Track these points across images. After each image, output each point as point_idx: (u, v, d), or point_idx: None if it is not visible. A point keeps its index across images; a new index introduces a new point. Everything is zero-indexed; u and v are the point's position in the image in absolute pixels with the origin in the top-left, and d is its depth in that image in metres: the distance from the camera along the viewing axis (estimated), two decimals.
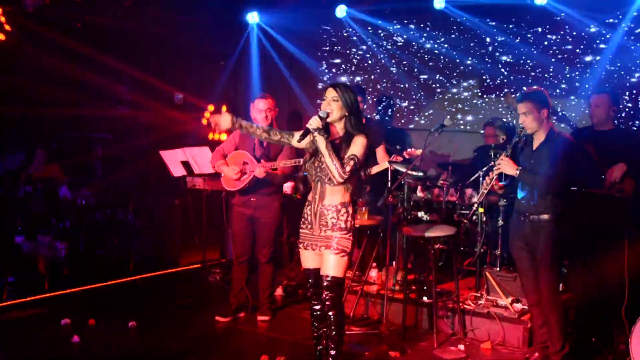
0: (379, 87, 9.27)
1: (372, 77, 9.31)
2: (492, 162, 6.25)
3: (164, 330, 6.39)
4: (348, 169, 4.62)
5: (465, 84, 8.65)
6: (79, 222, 8.52)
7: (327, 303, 4.75)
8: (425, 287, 6.64)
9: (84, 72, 8.59)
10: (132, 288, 7.92)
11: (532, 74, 8.08)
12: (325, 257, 4.78)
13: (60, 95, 8.63)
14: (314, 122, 4.67)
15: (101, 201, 8.92)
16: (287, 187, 7.73)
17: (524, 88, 5.71)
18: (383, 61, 9.19)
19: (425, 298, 6.52)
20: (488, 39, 8.34)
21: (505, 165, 5.31)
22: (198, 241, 8.49)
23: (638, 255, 5.84)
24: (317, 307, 4.95)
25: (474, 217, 6.68)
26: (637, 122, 7.37)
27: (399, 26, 8.95)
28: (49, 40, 8.32)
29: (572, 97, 7.84)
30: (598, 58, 7.59)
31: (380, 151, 7.70)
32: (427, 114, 8.98)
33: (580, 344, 5.87)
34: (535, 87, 5.70)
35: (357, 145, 4.72)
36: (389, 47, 9.13)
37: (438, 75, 8.81)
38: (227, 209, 7.57)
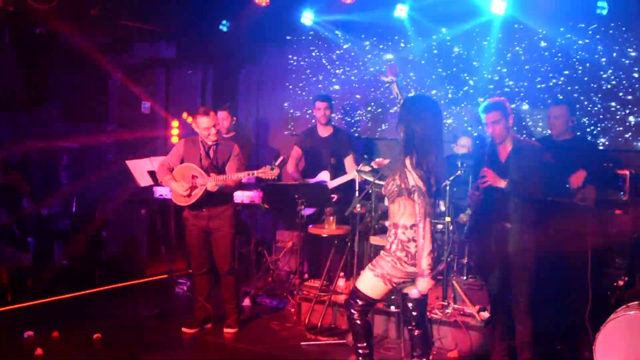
0: (346, 95, 9.25)
1: (339, 86, 9.28)
2: (459, 172, 6.32)
3: (129, 342, 6.28)
4: None
5: (432, 92, 8.65)
6: (44, 232, 8.37)
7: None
8: (392, 297, 6.55)
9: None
10: (98, 299, 7.79)
11: (491, 85, 8.13)
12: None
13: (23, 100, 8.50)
14: None
15: (66, 211, 8.79)
16: (247, 196, 7.71)
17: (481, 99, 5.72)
18: (349, 70, 9.19)
19: (392, 307, 6.49)
20: (456, 49, 8.37)
21: (494, 179, 5.30)
22: (165, 251, 8.41)
23: (601, 262, 5.94)
24: None
25: (440, 227, 6.69)
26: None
27: (363, 35, 8.94)
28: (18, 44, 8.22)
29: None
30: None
31: (348, 160, 7.76)
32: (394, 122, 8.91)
33: (545, 352, 5.92)
34: (497, 97, 5.75)
35: None
36: (354, 56, 9.13)
37: (406, 84, 8.81)
38: (177, 222, 7.51)
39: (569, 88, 7.37)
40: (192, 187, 6.35)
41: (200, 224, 6.50)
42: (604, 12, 6.98)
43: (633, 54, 7.06)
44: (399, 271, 4.42)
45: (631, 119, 7.09)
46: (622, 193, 6.02)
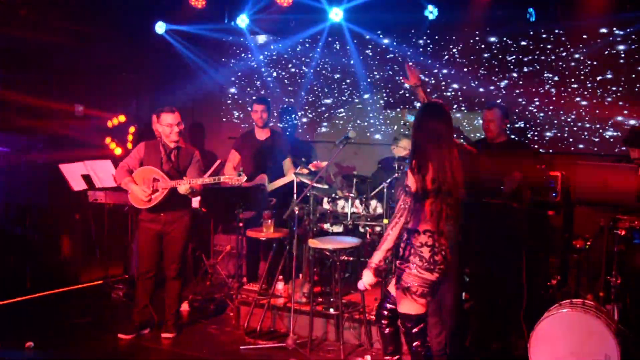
0: (283, 99, 9.33)
1: (276, 89, 9.36)
2: (397, 174, 6.40)
3: (63, 350, 6.23)
4: None
5: (366, 96, 8.77)
6: None
7: None
8: (331, 299, 6.71)
9: None
10: (30, 306, 7.64)
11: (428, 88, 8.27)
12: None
13: None
14: None
15: None
16: (196, 201, 7.68)
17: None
18: (284, 73, 9.26)
19: (331, 310, 6.55)
20: (390, 55, 8.49)
21: None
22: (100, 256, 8.36)
23: (535, 262, 6.08)
24: None
25: (378, 229, 6.73)
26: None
27: (301, 40, 9.04)
28: None
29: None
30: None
31: (286, 163, 7.78)
32: (332, 124, 9.09)
33: (480, 350, 6.07)
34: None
35: None
36: (291, 59, 9.22)
37: (343, 88, 8.90)
38: (132, 224, 7.43)
39: None
40: (153, 190, 6.37)
41: (156, 228, 6.52)
42: None
43: None
44: (414, 278, 4.37)
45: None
46: (554, 194, 6.17)
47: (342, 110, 8.99)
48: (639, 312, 6.00)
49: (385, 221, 6.56)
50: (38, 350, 6.14)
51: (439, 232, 4.38)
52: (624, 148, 6.47)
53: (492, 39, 7.83)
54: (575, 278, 6.15)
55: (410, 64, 4.81)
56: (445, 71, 8.17)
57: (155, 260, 6.63)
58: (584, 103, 7.43)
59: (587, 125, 7.41)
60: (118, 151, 9.01)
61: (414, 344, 4.50)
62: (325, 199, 7.17)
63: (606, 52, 7.29)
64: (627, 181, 5.71)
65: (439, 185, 4.34)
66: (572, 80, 7.46)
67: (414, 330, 4.48)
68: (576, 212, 6.71)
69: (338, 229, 7.08)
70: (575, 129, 7.50)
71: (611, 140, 7.32)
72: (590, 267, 6.09)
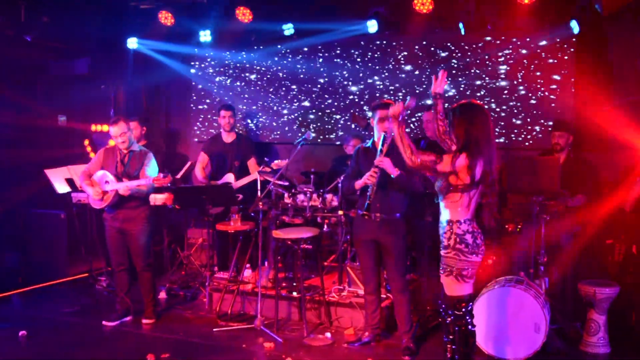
0: (246, 103, 9.55)
1: (239, 95, 9.58)
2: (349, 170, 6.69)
3: (54, 338, 6.39)
4: None
5: (320, 101, 9.09)
6: None
7: None
8: (294, 283, 6.92)
9: None
10: (22, 299, 7.78)
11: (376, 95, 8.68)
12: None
13: None
14: None
15: None
16: (160, 199, 7.79)
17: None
18: (246, 82, 9.51)
19: (294, 293, 6.78)
20: (338, 60, 8.86)
21: (390, 166, 5.50)
22: (84, 252, 8.40)
23: None
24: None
25: (334, 219, 7.03)
26: None
27: (255, 47, 9.31)
28: None
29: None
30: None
31: (251, 163, 8.00)
32: (291, 127, 9.32)
33: (424, 325, 6.44)
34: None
35: None
36: (252, 69, 9.45)
37: (298, 94, 9.20)
38: (98, 223, 7.60)
39: None
40: (104, 191, 6.59)
41: (116, 225, 6.70)
42: None
43: None
44: (464, 262, 4.50)
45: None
46: None
47: (298, 114, 9.23)
48: (563, 285, 6.51)
49: (341, 212, 6.80)
50: (31, 339, 6.29)
51: (476, 219, 4.57)
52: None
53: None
54: (509, 258, 6.40)
55: (442, 72, 4.59)
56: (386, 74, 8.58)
57: (123, 254, 6.78)
58: (511, 103, 7.91)
59: (519, 122, 7.88)
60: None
61: (463, 322, 4.59)
62: (286, 194, 7.26)
63: (526, 61, 7.78)
64: (551, 171, 6.19)
65: (486, 178, 4.47)
66: (501, 79, 7.92)
67: (467, 309, 4.60)
68: (508, 198, 7.09)
69: (298, 221, 7.16)
70: (502, 123, 7.93)
71: (540, 135, 7.79)
72: (521, 247, 6.43)
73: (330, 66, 8.94)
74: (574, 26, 7.38)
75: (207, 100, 9.84)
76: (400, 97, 8.42)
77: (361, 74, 8.78)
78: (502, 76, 7.93)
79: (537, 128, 7.80)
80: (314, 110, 9.14)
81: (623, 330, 6.21)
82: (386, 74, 8.60)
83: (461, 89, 8.07)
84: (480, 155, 4.43)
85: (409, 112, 4.67)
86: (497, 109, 7.96)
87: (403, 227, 5.81)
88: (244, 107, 9.55)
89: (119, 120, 6.60)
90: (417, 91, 8.35)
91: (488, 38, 7.97)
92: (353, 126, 8.70)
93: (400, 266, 5.82)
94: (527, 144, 7.87)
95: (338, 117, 8.96)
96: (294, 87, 9.22)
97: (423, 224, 6.72)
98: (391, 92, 8.57)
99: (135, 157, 6.72)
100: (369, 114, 8.52)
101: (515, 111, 7.89)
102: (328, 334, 6.35)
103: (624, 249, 6.58)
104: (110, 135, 6.66)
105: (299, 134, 8.96)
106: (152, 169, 6.69)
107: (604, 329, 5.91)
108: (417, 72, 8.39)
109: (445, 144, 4.70)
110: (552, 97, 7.70)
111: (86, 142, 9.15)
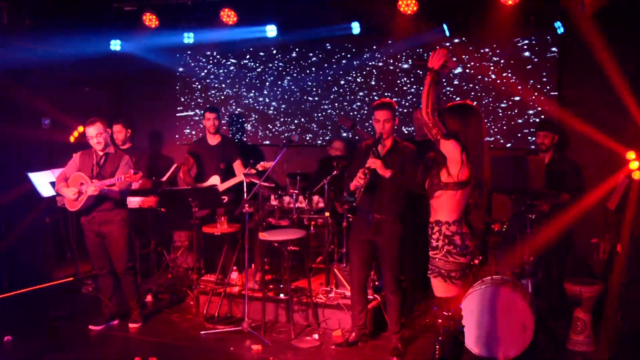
0: (231, 105, 9.51)
1: (224, 98, 9.53)
2: (335, 171, 6.68)
3: (40, 343, 6.33)
4: None
5: (306, 104, 9.04)
6: None
7: None
8: (281, 285, 6.90)
9: None
10: (8, 304, 7.67)
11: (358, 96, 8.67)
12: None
13: None
14: None
15: None
16: (135, 202, 7.72)
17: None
18: (232, 84, 9.46)
19: (282, 295, 6.76)
20: (326, 64, 8.84)
21: (381, 167, 5.49)
22: (70, 255, 8.33)
23: None
24: None
25: (321, 221, 7.01)
26: None
27: (241, 48, 9.27)
28: None
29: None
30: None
31: (237, 165, 7.97)
32: (277, 129, 9.28)
33: (414, 325, 6.44)
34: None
35: None
36: (238, 72, 9.41)
37: (285, 96, 9.17)
38: (76, 228, 7.53)
39: None
40: (79, 192, 6.49)
41: (94, 229, 6.64)
42: None
43: None
44: (452, 264, 4.42)
45: None
46: None
47: (285, 116, 9.19)
48: (549, 284, 6.53)
49: (327, 214, 6.80)
50: (17, 344, 6.23)
51: (465, 220, 4.49)
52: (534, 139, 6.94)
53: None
54: (495, 258, 6.40)
55: (441, 48, 4.43)
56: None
57: (104, 258, 6.72)
58: (496, 103, 7.90)
59: (504, 122, 7.88)
60: None
61: (452, 322, 4.56)
62: (273, 196, 7.29)
63: (511, 61, 7.79)
64: (536, 171, 6.20)
65: (476, 177, 4.41)
66: (485, 80, 7.93)
67: (456, 310, 4.58)
68: (493, 198, 7.13)
69: (285, 222, 7.15)
70: (487, 123, 7.88)
71: (525, 135, 7.79)
72: (507, 248, 6.42)
73: (316, 67, 8.91)
74: (558, 26, 7.38)
75: (192, 103, 9.78)
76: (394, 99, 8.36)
77: (347, 76, 8.74)
78: (487, 77, 7.93)
79: (522, 128, 7.78)
80: (299, 112, 9.11)
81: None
82: (372, 75, 8.57)
83: (445, 90, 8.04)
84: (471, 155, 4.39)
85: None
86: (482, 109, 7.88)
87: (399, 228, 5.81)
88: (230, 109, 9.50)
89: (95, 121, 6.54)
90: (404, 92, 8.33)
91: (472, 39, 7.96)
92: (339, 127, 8.68)
93: (394, 267, 5.83)
94: (510, 144, 7.87)
95: (322, 118, 8.93)
96: (279, 89, 9.19)
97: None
98: (377, 94, 8.53)
99: (111, 160, 6.65)
100: (355, 115, 8.56)
101: (500, 111, 7.88)
102: (316, 336, 6.35)
103: (608, 248, 6.60)
104: (86, 135, 6.58)
105: (284, 136, 8.99)
106: (127, 171, 6.58)
107: (590, 327, 5.94)
108: (401, 74, 8.36)
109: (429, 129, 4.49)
110: (536, 97, 7.68)
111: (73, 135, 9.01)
